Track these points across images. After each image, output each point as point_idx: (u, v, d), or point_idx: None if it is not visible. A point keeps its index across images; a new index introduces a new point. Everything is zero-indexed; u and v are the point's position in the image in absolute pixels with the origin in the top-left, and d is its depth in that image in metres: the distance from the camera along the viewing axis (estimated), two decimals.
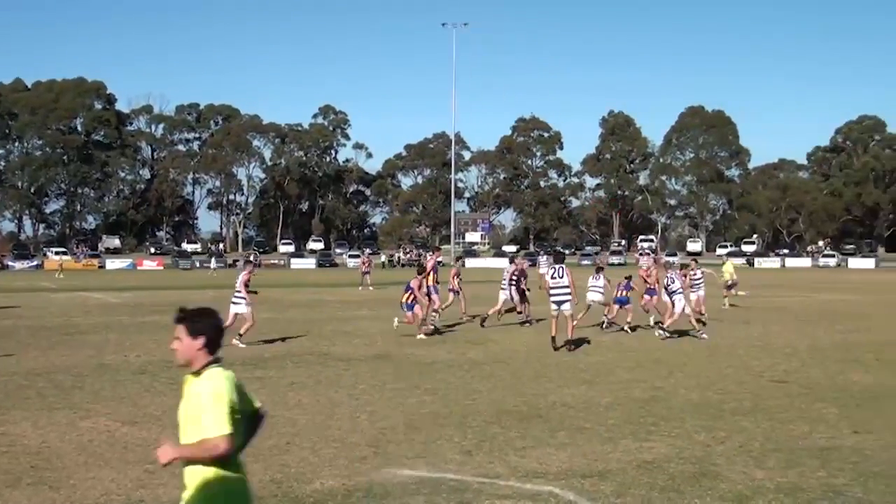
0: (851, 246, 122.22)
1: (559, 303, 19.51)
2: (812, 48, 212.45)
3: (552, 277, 19.79)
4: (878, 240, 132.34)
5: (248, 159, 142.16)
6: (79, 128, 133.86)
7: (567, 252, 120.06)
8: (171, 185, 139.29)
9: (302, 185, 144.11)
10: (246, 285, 20.33)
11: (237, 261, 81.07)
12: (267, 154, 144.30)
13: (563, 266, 20.15)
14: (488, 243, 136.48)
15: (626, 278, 24.11)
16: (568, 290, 19.51)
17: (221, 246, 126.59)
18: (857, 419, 11.76)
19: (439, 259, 25.09)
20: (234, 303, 20.29)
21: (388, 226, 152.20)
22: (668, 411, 12.28)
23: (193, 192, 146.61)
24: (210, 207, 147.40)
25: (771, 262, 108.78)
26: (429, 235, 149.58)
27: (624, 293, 23.77)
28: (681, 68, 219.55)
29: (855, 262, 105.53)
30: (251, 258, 40.16)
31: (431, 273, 24.10)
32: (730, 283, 33.78)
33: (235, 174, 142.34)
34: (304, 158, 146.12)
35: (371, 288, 44.74)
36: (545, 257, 35.58)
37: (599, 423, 11.48)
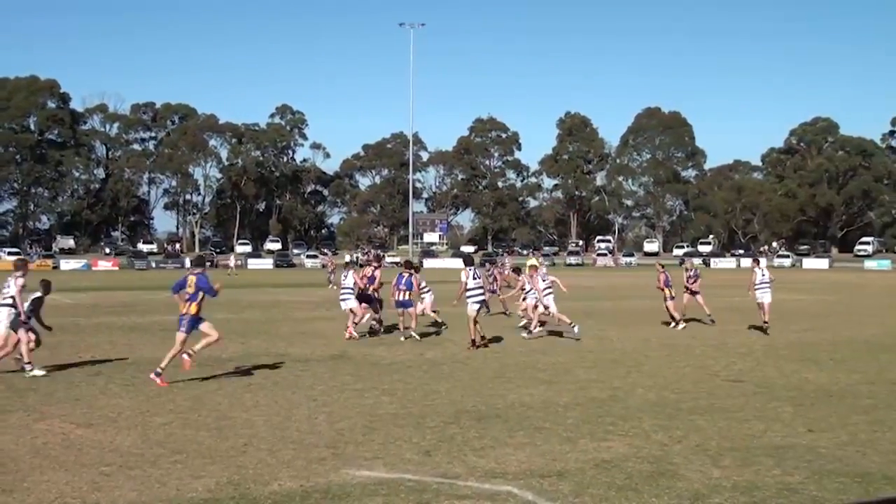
0: (805, 246, 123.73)
1: (480, 303, 20.28)
2: (766, 50, 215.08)
3: (473, 279, 20.25)
4: (832, 240, 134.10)
5: (205, 159, 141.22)
6: (32, 126, 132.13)
7: (525, 252, 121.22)
8: (127, 184, 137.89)
9: (259, 185, 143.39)
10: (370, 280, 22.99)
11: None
12: (224, 154, 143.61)
13: (477, 268, 21.28)
14: (446, 244, 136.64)
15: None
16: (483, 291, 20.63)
17: (178, 246, 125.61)
18: (812, 417, 11.90)
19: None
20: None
21: (346, 226, 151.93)
22: (626, 411, 12.35)
23: (149, 192, 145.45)
24: (166, 207, 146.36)
25: (727, 263, 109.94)
26: (387, 236, 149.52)
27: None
28: (637, 70, 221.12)
29: (809, 263, 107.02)
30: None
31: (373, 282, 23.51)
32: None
33: (192, 174, 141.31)
34: (262, 158, 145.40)
35: (335, 287, 44.27)
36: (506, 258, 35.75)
37: (558, 422, 11.52)
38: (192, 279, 14.90)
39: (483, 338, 20.17)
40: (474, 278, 20.16)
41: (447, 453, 9.85)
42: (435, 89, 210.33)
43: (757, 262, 25.51)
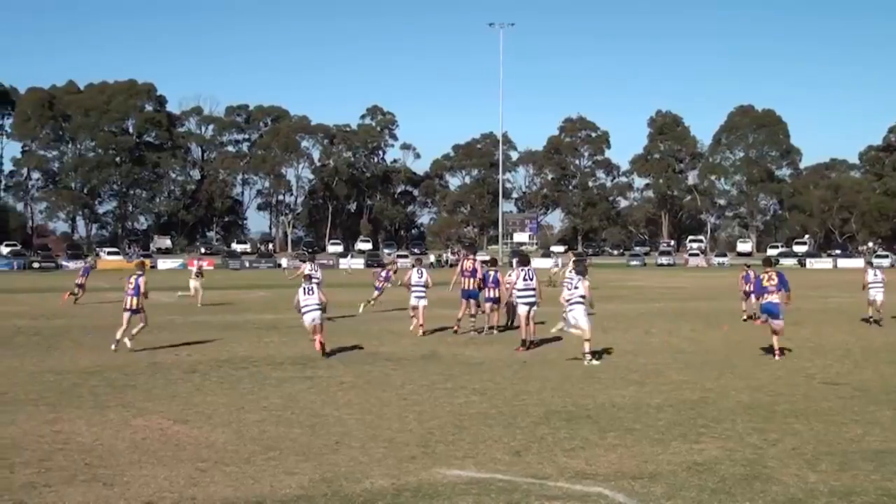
0: None
1: (530, 304, 20.03)
2: (863, 45, 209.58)
3: (524, 280, 20.17)
4: None
5: (297, 160, 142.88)
6: (130, 129, 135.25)
7: (615, 252, 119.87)
8: (221, 185, 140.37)
9: (350, 186, 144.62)
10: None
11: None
12: (315, 155, 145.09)
13: (532, 269, 20.89)
14: (536, 243, 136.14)
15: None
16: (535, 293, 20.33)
17: (271, 246, 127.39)
18: None
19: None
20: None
21: (436, 226, 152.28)
22: (719, 413, 12.18)
23: (243, 193, 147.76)
24: (259, 208, 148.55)
25: (823, 263, 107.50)
26: (477, 235, 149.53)
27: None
28: (729, 67, 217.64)
29: None
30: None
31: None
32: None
33: (284, 175, 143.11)
34: (353, 159, 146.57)
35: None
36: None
37: (649, 424, 11.41)
38: None
39: (532, 342, 19.95)
40: (525, 279, 20.09)
41: (537, 453, 9.82)
42: (524, 89, 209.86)
43: (870, 263, 26.64)
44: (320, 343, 18.09)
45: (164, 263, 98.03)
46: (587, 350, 17.42)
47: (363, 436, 10.71)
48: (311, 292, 18.72)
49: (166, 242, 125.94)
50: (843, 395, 13.70)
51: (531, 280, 20.30)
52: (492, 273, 22.92)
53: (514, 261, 22.30)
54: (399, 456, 9.70)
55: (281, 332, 23.14)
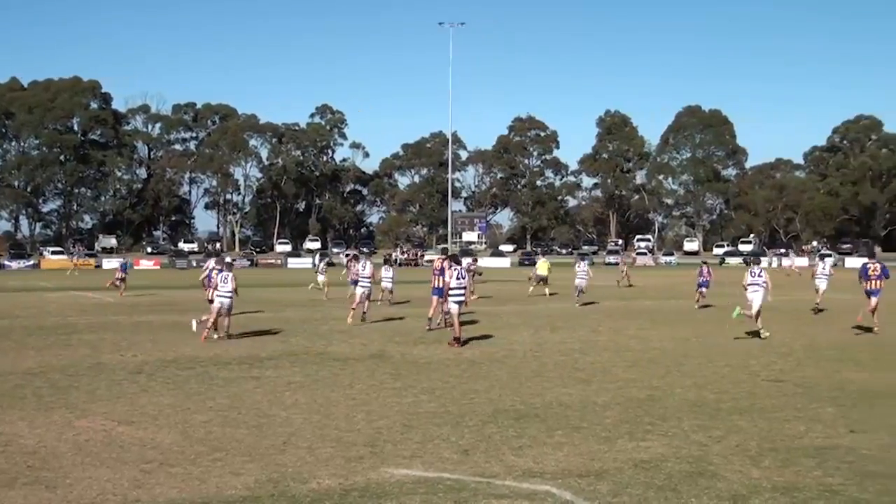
0: (848, 245, 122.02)
1: (460, 302, 20.52)
2: (809, 48, 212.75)
3: (456, 279, 20.57)
4: (875, 239, 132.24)
5: (245, 159, 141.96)
6: (75, 127, 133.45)
7: (564, 251, 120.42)
8: (168, 184, 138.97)
9: (299, 185, 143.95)
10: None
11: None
12: (264, 153, 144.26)
13: (463, 268, 21.60)
14: (485, 243, 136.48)
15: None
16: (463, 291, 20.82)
17: (218, 245, 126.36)
18: (854, 418, 11.79)
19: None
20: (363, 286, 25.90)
21: (385, 225, 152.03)
22: (665, 411, 12.30)
23: (190, 192, 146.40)
24: (207, 207, 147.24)
25: (766, 262, 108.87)
26: (426, 235, 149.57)
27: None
28: (677, 68, 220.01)
29: (852, 262, 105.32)
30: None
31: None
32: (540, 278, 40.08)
33: (232, 174, 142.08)
34: (301, 158, 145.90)
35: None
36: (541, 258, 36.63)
37: (596, 422, 11.50)
38: None
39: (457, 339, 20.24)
40: (458, 278, 20.45)
41: (485, 452, 9.86)
42: (474, 88, 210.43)
43: (822, 256, 29.50)
44: (226, 330, 21.45)
45: (110, 263, 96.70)
46: (760, 326, 21.78)
47: (311, 436, 10.68)
48: (226, 280, 21.32)
49: (111, 242, 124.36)
50: (786, 392, 13.90)
51: (462, 279, 20.67)
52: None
53: (447, 259, 22.99)
54: (347, 456, 9.69)
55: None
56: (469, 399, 13.21)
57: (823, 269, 32.02)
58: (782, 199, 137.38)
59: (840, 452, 9.89)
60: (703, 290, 33.79)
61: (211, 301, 22.17)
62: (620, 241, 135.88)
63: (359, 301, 25.80)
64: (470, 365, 17.03)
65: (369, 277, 26.50)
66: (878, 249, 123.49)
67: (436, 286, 23.75)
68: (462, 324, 21.35)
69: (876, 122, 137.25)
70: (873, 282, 24.10)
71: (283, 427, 11.18)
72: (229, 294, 21.26)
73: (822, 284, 30.95)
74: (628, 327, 24.66)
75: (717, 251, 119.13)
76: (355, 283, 27.58)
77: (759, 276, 22.84)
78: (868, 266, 24.60)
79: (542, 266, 41.39)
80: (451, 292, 20.57)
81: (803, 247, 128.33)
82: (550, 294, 38.88)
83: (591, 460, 9.50)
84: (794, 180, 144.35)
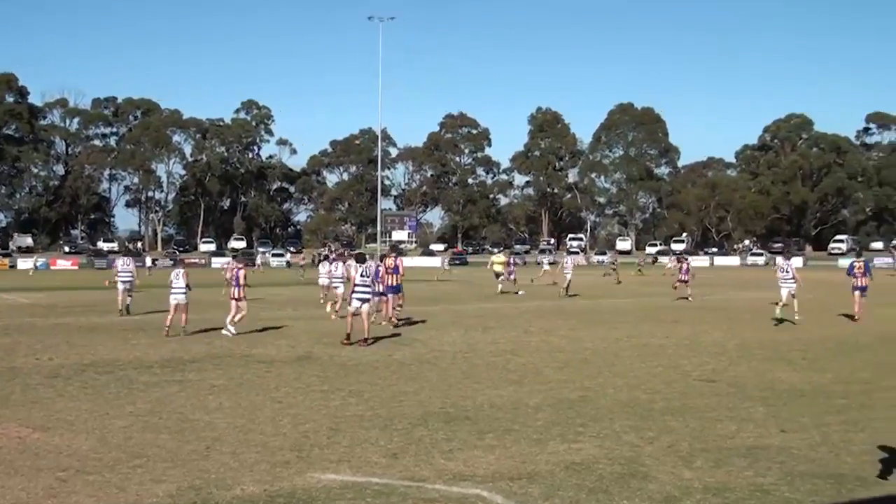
0: (779, 244, 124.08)
1: (363, 300, 20.85)
2: (741, 46, 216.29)
3: (361, 276, 20.99)
4: (806, 238, 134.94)
5: (168, 155, 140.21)
6: None
7: (496, 251, 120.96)
8: (87, 181, 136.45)
9: (224, 182, 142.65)
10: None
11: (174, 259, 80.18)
12: (187, 150, 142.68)
13: (370, 265, 22.13)
14: (416, 242, 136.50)
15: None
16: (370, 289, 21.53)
17: (139, 244, 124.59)
18: (784, 418, 11.99)
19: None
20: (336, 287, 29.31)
21: (313, 224, 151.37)
22: (597, 412, 12.39)
23: (110, 189, 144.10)
24: (128, 205, 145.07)
25: (700, 261, 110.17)
26: (354, 234, 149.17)
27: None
28: (610, 65, 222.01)
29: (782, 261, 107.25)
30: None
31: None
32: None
33: (154, 170, 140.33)
34: (226, 154, 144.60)
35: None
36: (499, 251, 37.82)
37: (527, 424, 11.54)
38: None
39: (366, 339, 20.50)
40: (362, 276, 20.84)
41: (415, 456, 9.84)
42: (405, 85, 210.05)
43: (787, 258, 29.32)
44: (185, 320, 22.74)
45: (25, 263, 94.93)
46: (797, 309, 26.36)
47: (235, 441, 10.57)
48: (178, 277, 23.04)
49: (27, 241, 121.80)
50: (718, 391, 14.10)
51: (367, 277, 21.12)
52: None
53: (355, 259, 23.42)
54: (272, 461, 9.60)
55: (149, 334, 22.66)
56: (398, 402, 13.18)
57: (785, 272, 27.53)
58: (714, 198, 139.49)
59: (771, 452, 10.05)
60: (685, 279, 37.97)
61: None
62: (552, 241, 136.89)
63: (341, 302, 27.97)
64: (399, 367, 17.00)
65: (341, 278, 29.09)
66: (808, 248, 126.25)
67: (389, 284, 24.95)
68: (380, 325, 21.38)
69: (807, 121, 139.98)
70: (859, 279, 27.81)
71: (206, 432, 11.05)
72: (183, 290, 22.86)
73: (784, 291, 27.08)
74: (561, 327, 24.82)
75: (650, 250, 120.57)
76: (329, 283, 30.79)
77: (787, 271, 27.09)
78: (855, 263, 28.54)
79: (498, 260, 43.04)
80: (356, 290, 20.83)
81: (735, 245, 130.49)
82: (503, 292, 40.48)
83: (523, 463, 9.53)
84: (726, 179, 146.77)
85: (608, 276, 59.00)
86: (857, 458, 9.80)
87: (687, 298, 36.44)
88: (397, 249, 29.28)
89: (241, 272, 23.10)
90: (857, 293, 27.72)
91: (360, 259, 21.84)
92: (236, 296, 22.80)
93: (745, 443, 10.54)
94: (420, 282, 50.94)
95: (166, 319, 22.68)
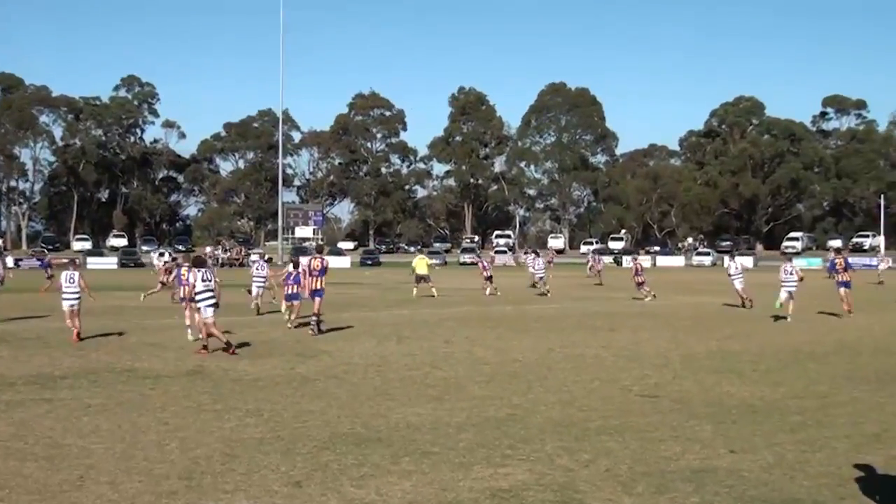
0: (728, 242, 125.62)
1: (213, 305, 21.32)
2: (686, 22, 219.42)
3: (202, 281, 21.56)
4: (757, 235, 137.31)
5: (35, 138, 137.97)
6: None
7: (413, 249, 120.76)
8: None
9: (101, 170, 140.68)
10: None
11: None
12: (57, 132, 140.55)
13: (211, 270, 22.87)
14: (322, 239, 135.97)
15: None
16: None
17: (0, 242, 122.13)
18: (734, 437, 12.18)
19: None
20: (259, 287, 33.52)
21: (205, 218, 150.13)
22: (527, 432, 12.46)
23: None
24: None
25: (641, 261, 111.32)
26: (252, 230, 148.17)
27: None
28: (540, 40, 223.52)
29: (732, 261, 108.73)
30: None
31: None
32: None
33: (18, 156, 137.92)
34: (104, 138, 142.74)
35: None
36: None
37: (449, 446, 11.57)
38: None
39: (229, 344, 20.82)
40: (204, 280, 21.28)
41: (321, 483, 9.81)
42: (310, 60, 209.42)
43: (733, 257, 36.68)
44: (76, 334, 23.18)
45: None
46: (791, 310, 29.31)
47: (114, 468, 10.43)
48: (72, 280, 23.88)
49: None
50: (661, 408, 14.27)
51: (210, 281, 21.49)
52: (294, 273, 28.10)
53: (188, 263, 24.53)
54: (157, 491, 9.50)
55: (11, 345, 22.27)
56: (302, 422, 13.12)
57: (789, 273, 30.69)
58: (656, 191, 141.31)
59: (720, 475, 10.21)
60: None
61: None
62: (477, 238, 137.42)
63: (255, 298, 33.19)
64: (302, 382, 16.93)
65: (265, 277, 33.74)
66: (759, 247, 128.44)
67: (314, 288, 26.06)
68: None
69: (758, 104, 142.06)
70: (840, 274, 31.99)
71: (80, 459, 10.89)
72: (77, 295, 24.00)
73: (783, 293, 30.27)
74: (486, 337, 24.93)
75: (585, 249, 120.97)
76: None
77: (792, 273, 30.35)
78: (835, 260, 33.29)
79: (420, 263, 44.43)
80: (198, 297, 21.22)
81: (679, 244, 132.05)
82: (439, 296, 41.48)
83: (443, 490, 9.56)
84: (669, 169, 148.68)
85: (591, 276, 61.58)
86: (814, 481, 10.00)
87: (643, 299, 39.04)
88: (321, 248, 30.79)
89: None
90: (842, 289, 31.69)
91: (199, 263, 22.42)
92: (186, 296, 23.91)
93: (690, 465, 10.68)
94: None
95: (73, 329, 23.48)
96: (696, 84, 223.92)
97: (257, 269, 34.48)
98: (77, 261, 26.04)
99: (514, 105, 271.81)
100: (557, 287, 51.07)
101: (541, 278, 47.81)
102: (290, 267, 28.80)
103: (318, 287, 26.08)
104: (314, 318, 25.65)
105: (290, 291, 27.82)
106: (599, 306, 36.49)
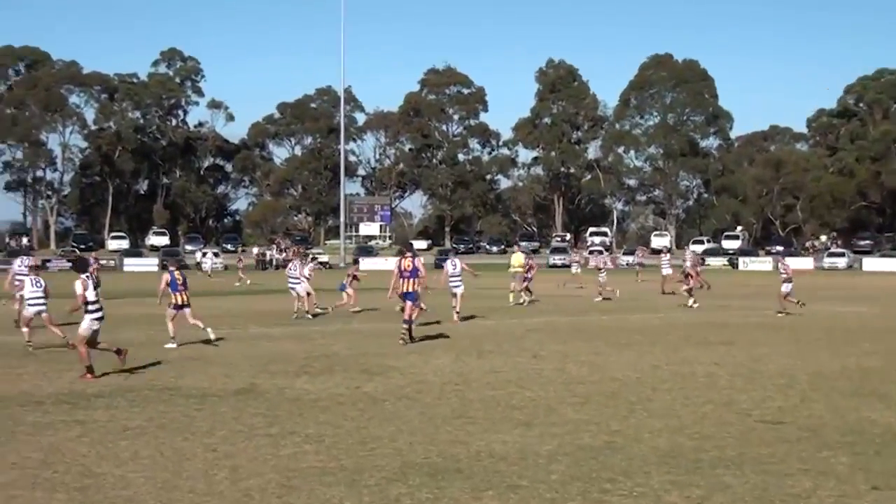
0: (867, 242, 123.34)
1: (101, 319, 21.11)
2: None
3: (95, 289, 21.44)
4: None
5: (64, 122, 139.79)
6: None
7: (495, 249, 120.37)
8: None
9: (139, 158, 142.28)
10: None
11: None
12: (90, 115, 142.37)
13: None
14: (390, 237, 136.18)
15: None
16: None
17: (26, 241, 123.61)
18: (876, 471, 12.00)
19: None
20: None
21: (257, 213, 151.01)
22: (629, 463, 12.40)
23: None
24: (9, 188, 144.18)
25: (760, 264, 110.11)
26: (310, 227, 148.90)
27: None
28: (640, 6, 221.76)
29: (871, 263, 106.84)
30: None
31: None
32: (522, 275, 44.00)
33: (45, 142, 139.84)
34: (142, 121, 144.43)
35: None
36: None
37: (539, 479, 11.55)
38: None
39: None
40: (95, 288, 20.78)
41: None
42: (375, 31, 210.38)
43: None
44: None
45: None
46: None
47: (154, 501, 10.56)
48: (38, 284, 26.43)
49: None
50: (786, 436, 14.11)
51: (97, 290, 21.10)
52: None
53: (74, 267, 24.84)
54: None
55: (39, 360, 22.64)
56: (369, 449, 13.17)
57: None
58: (779, 180, 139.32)
59: None
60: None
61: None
62: (568, 236, 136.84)
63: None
64: (370, 403, 16.99)
65: (297, 278, 36.07)
66: None
67: (405, 290, 27.04)
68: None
69: None
70: None
71: (116, 489, 11.04)
72: (42, 300, 26.26)
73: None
74: (580, 351, 24.85)
75: (695, 248, 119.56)
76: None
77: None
78: None
79: (516, 259, 45.88)
80: (87, 308, 20.53)
81: (807, 243, 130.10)
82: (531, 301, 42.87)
83: None
84: (795, 155, 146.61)
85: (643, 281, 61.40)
86: None
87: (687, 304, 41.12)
88: (412, 247, 31.12)
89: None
90: None
91: (81, 267, 21.44)
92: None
93: (823, 503, 10.57)
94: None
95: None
96: (828, 55, 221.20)
97: (291, 268, 37.27)
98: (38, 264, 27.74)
99: (610, 81, 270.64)
100: (653, 292, 50.75)
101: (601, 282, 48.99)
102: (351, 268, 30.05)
103: (410, 289, 26.94)
104: (405, 324, 26.45)
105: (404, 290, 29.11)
106: (712, 316, 36.18)
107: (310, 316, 35.22)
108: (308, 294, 36.13)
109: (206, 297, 46.53)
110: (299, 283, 36.00)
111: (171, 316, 26.09)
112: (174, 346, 25.25)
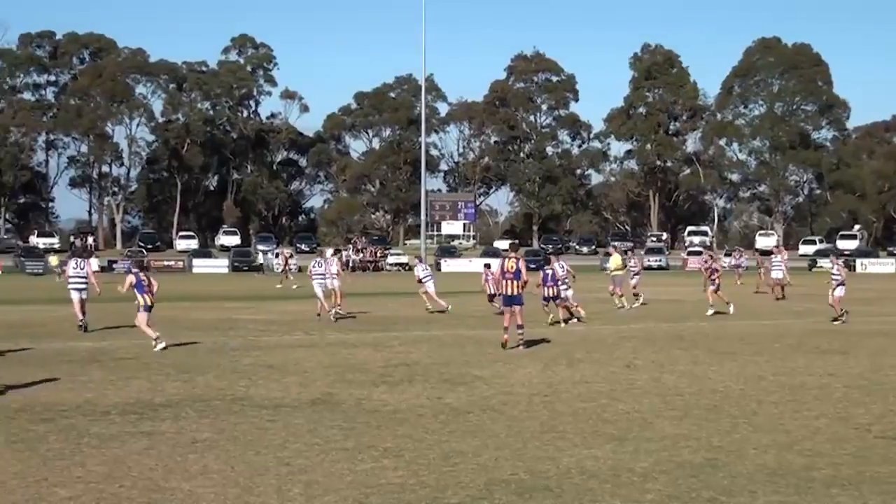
0: None
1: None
2: None
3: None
4: None
5: (130, 113, 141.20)
6: None
7: (586, 250, 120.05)
8: (14, 150, 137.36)
9: (208, 152, 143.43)
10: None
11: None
12: (157, 106, 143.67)
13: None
14: (474, 237, 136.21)
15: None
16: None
17: (90, 240, 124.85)
18: None
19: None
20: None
21: (332, 211, 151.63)
22: (732, 481, 12.32)
23: (47, 162, 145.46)
24: (73, 184, 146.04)
25: (881, 266, 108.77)
26: (390, 225, 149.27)
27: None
28: None
29: None
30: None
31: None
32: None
33: (111, 135, 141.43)
34: (212, 112, 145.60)
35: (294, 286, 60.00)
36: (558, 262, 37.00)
37: (634, 498, 11.52)
38: None
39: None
40: (75, 267, 24.59)
41: None
42: (458, 16, 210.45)
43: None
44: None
45: None
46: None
47: None
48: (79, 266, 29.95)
49: None
50: None
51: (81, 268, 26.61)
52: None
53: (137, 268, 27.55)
54: None
55: (105, 367, 22.89)
56: (451, 465, 13.20)
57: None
58: None
59: None
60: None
61: None
62: (665, 235, 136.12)
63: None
64: (453, 415, 17.02)
65: (322, 275, 37.43)
66: None
67: (508, 293, 27.01)
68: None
69: None
70: None
71: None
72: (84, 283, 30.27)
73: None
74: (677, 360, 24.72)
75: (806, 249, 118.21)
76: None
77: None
78: None
79: (614, 261, 46.08)
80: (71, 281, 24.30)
81: None
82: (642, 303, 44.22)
83: None
84: None
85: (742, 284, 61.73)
86: None
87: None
88: (517, 247, 30.79)
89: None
90: None
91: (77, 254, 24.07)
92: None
93: None
94: (472, 293, 50.87)
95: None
96: None
97: (315, 265, 38.73)
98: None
99: (712, 67, 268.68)
100: (756, 297, 50.30)
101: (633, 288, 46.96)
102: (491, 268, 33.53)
103: (516, 292, 26.75)
104: (519, 330, 26.77)
105: (546, 294, 33.05)
106: (825, 324, 35.78)
107: (331, 317, 35.85)
108: (335, 291, 37.09)
109: (278, 301, 46.79)
110: (324, 279, 37.20)
111: (143, 320, 26.50)
112: (163, 345, 25.94)
